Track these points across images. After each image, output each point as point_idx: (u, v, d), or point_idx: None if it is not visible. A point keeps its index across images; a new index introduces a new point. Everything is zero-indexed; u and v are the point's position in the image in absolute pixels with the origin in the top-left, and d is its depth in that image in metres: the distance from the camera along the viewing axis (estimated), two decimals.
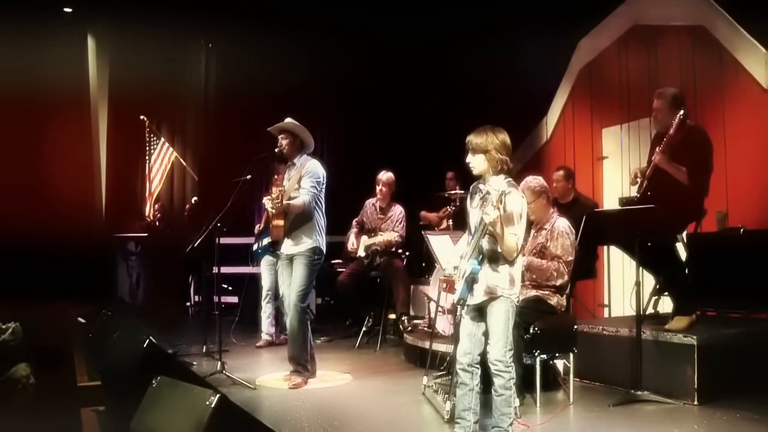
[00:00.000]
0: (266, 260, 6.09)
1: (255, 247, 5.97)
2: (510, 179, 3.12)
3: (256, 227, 6.24)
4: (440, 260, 4.64)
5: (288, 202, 4.46)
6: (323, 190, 4.61)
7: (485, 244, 3.04)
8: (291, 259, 4.57)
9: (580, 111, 7.08)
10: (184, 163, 7.40)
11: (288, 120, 4.70)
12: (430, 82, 8.23)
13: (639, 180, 4.29)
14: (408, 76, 8.38)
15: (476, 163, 3.11)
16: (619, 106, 6.50)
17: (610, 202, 6.34)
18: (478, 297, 3.09)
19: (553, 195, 5.39)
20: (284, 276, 4.63)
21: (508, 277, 3.07)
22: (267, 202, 4.47)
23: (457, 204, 6.53)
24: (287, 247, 4.59)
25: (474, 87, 7.59)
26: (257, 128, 7.45)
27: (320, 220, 4.60)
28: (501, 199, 2.87)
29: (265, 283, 6.14)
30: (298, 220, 4.54)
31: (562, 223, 4.21)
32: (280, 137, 4.66)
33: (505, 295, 3.07)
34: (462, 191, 6.63)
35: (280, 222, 4.54)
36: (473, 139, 3.09)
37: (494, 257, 3.06)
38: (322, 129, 8.99)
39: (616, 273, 6.10)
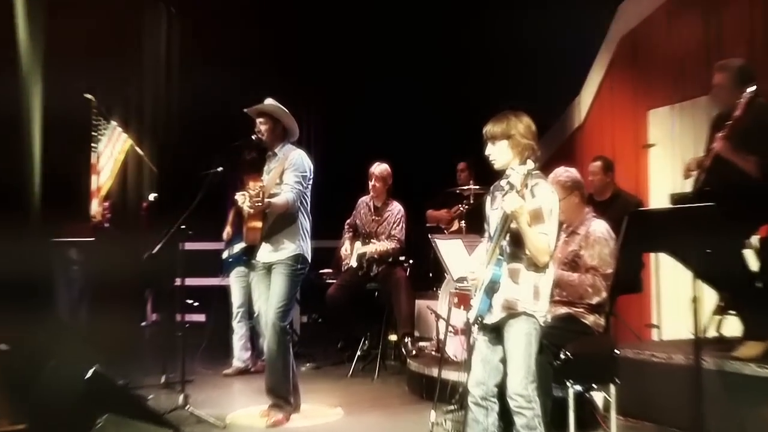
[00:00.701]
0: (237, 271, 6.09)
1: (225, 254, 5.93)
2: (538, 171, 3.12)
3: (225, 231, 6.21)
4: (451, 269, 4.66)
5: (269, 200, 4.45)
6: (309, 186, 4.66)
7: (507, 245, 3.07)
8: (269, 268, 4.60)
9: (621, 89, 7.06)
10: (141, 152, 7.32)
11: (268, 101, 4.71)
12: (438, 53, 8.22)
13: (694, 173, 4.26)
14: (411, 46, 8.36)
15: (498, 153, 3.16)
16: (669, 82, 6.47)
17: (658, 199, 6.32)
18: (495, 314, 3.11)
19: (588, 191, 5.34)
20: (260, 289, 4.67)
21: (531, 289, 3.08)
22: (241, 198, 4.46)
23: (471, 201, 6.52)
24: (265, 254, 4.62)
25: (490, 59, 7.59)
26: (230, 110, 7.37)
27: (304, 222, 4.65)
28: (525, 182, 2.90)
29: (236, 298, 6.15)
30: (278, 222, 4.57)
31: (599, 227, 4.18)
32: (258, 121, 4.69)
33: (528, 311, 3.08)
34: (477, 186, 6.61)
35: (258, 224, 4.56)
36: (492, 127, 3.16)
37: (516, 263, 3.07)
38: (305, 111, 8.95)
39: (668, 286, 6.10)
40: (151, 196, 7.16)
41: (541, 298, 3.08)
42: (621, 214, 4.37)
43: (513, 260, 3.07)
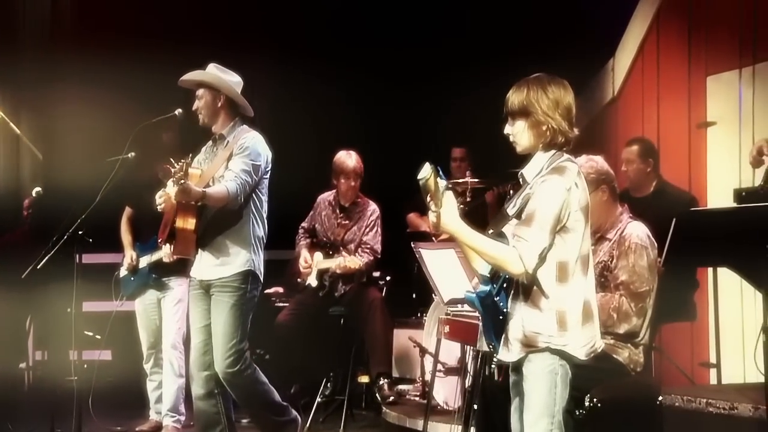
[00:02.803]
0: (146, 298, 5.97)
1: (122, 271, 5.87)
2: (564, 157, 3.15)
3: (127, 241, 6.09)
4: (440, 288, 4.68)
5: (204, 189, 4.47)
6: (266, 180, 4.75)
7: None
8: (207, 288, 4.66)
9: (670, 48, 7.05)
10: (18, 131, 7.26)
11: (211, 67, 4.76)
12: (422, 6, 8.27)
13: (766, 157, 4.30)
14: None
15: (516, 133, 3.20)
16: (735, 40, 6.46)
17: (718, 195, 6.32)
18: (513, 351, 3.13)
19: (622, 185, 5.35)
20: (194, 315, 4.76)
21: (554, 316, 3.08)
22: (162, 196, 4.48)
23: (468, 198, 6.51)
24: (201, 268, 4.69)
25: (494, 12, 7.62)
26: (144, 77, 7.28)
27: (257, 228, 4.73)
28: (434, 185, 2.95)
29: (145, 336, 6.04)
30: (219, 224, 4.63)
31: (636, 230, 4.20)
32: (196, 95, 4.74)
33: (553, 346, 3.08)
34: (477, 179, 6.60)
35: (189, 224, 4.57)
36: (510, 97, 3.19)
37: (529, 283, 3.08)
38: (251, 89, 8.94)
39: (729, 313, 6.07)
40: (35, 191, 7.10)
41: (569, 326, 3.08)
42: (666, 214, 4.37)
43: (529, 280, 3.09)
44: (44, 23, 8.83)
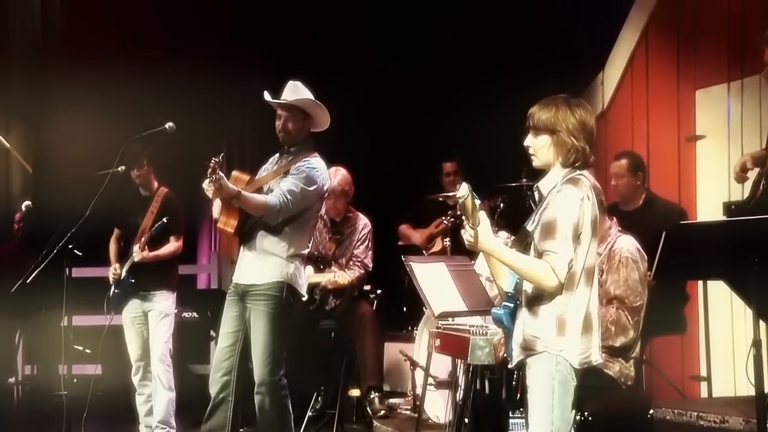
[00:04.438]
0: (129, 311, 5.94)
1: (113, 290, 5.85)
2: (580, 173, 3.24)
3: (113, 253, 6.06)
4: (431, 302, 4.66)
5: (241, 190, 4.48)
6: (321, 206, 4.91)
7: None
8: (242, 295, 4.68)
9: (659, 62, 7.06)
10: (8, 145, 7.25)
11: (299, 88, 4.80)
12: (414, 18, 8.26)
13: (753, 173, 4.32)
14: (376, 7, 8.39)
15: (538, 147, 3.28)
16: (724, 54, 6.47)
17: (707, 208, 6.33)
18: (515, 355, 3.24)
19: (611, 198, 5.34)
20: (226, 318, 4.76)
21: (553, 322, 3.13)
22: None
23: (459, 212, 6.47)
24: (240, 272, 4.74)
25: (484, 27, 7.61)
26: (134, 91, 7.25)
27: (300, 245, 4.78)
28: (471, 205, 3.02)
29: (132, 348, 5.98)
30: (263, 233, 4.66)
31: (626, 244, 4.19)
32: (279, 114, 4.78)
33: (550, 351, 3.12)
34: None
35: (230, 225, 4.61)
36: (537, 112, 3.28)
37: (535, 290, 3.16)
38: (241, 100, 8.93)
39: (720, 326, 6.07)
40: (25, 205, 7.08)
41: (567, 331, 3.12)
42: (656, 226, 4.38)
43: (530, 287, 3.16)
44: (34, 38, 8.81)
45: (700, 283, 5.83)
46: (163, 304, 5.80)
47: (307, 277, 6.21)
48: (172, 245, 5.81)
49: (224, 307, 4.79)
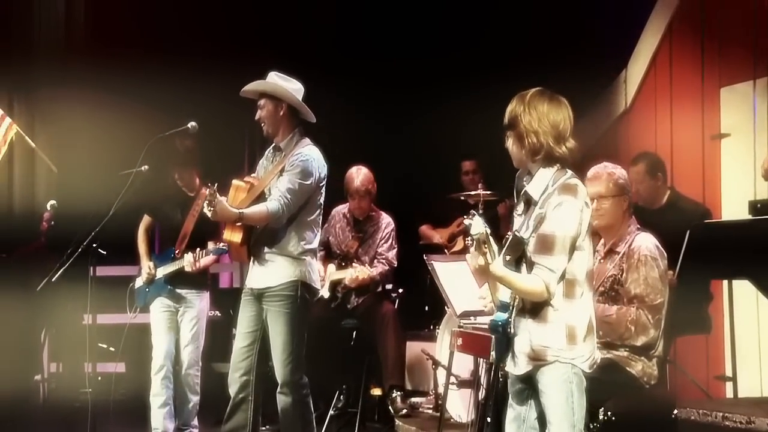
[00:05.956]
0: (161, 305, 5.91)
1: (139, 282, 5.83)
2: (568, 174, 3.19)
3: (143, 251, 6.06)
4: (453, 301, 4.68)
5: (242, 211, 4.50)
6: (321, 194, 4.81)
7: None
8: (258, 296, 4.71)
9: (683, 59, 7.02)
10: (32, 144, 7.28)
11: (272, 75, 4.75)
12: (436, 16, 8.26)
13: None
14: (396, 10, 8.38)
15: (509, 146, 3.28)
16: (749, 51, 6.41)
17: (733, 207, 6.27)
18: (520, 365, 3.19)
19: (634, 201, 5.31)
20: (242, 318, 4.79)
21: (563, 330, 3.13)
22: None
23: (480, 211, 6.48)
24: (253, 277, 4.75)
25: (506, 24, 7.61)
26: (158, 89, 7.28)
27: (308, 238, 4.75)
28: (486, 240, 2.99)
29: (159, 345, 5.88)
30: (269, 235, 4.66)
31: (645, 242, 4.17)
32: (258, 105, 4.73)
33: (562, 360, 3.13)
34: (489, 191, 6.60)
35: (236, 236, 4.62)
36: (507, 108, 3.26)
37: (540, 302, 3.15)
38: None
39: (745, 325, 5.98)
40: (50, 204, 7.12)
41: (578, 339, 3.13)
42: (679, 225, 4.36)
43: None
44: (58, 37, 8.88)
45: (725, 282, 5.79)
46: (198, 304, 5.78)
47: (329, 274, 6.27)
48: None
49: (239, 306, 4.81)
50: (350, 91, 8.23)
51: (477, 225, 2.98)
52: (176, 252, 5.64)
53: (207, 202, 4.37)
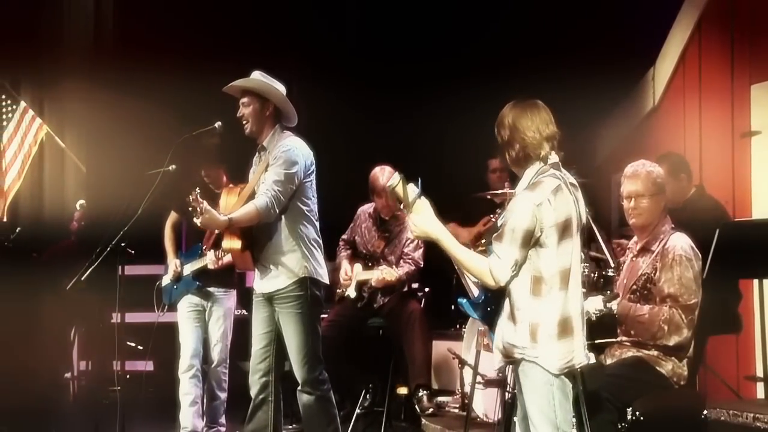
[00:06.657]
0: (188, 304, 5.93)
1: (166, 279, 5.86)
2: (549, 172, 3.30)
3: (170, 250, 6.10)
4: None
5: (230, 216, 4.48)
6: (311, 182, 4.74)
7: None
8: (269, 299, 4.72)
9: (712, 57, 6.97)
10: (62, 144, 7.35)
11: (256, 74, 4.74)
12: (459, 15, 8.26)
13: None
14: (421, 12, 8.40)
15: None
16: None
17: (763, 206, 6.26)
18: (496, 360, 3.44)
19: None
20: (256, 320, 4.78)
21: (527, 328, 3.19)
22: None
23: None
24: (260, 282, 4.73)
25: (533, 22, 7.62)
26: (185, 90, 7.32)
27: (307, 231, 4.73)
28: (403, 193, 3.28)
29: (186, 343, 5.91)
30: (266, 236, 4.64)
31: (680, 242, 4.16)
32: (241, 103, 4.71)
33: (527, 357, 3.19)
34: (514, 190, 6.57)
35: (235, 243, 4.60)
36: None
37: (508, 296, 3.26)
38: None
39: None
40: (79, 203, 7.17)
41: (540, 338, 3.16)
42: (708, 223, 4.32)
43: (507, 293, 3.25)
44: (87, 39, 8.96)
45: (756, 281, 5.76)
46: (225, 303, 5.80)
47: (355, 274, 6.28)
48: None
49: (252, 309, 4.82)
50: (377, 93, 8.25)
51: (394, 178, 3.29)
52: (203, 248, 5.67)
53: (198, 212, 4.35)
